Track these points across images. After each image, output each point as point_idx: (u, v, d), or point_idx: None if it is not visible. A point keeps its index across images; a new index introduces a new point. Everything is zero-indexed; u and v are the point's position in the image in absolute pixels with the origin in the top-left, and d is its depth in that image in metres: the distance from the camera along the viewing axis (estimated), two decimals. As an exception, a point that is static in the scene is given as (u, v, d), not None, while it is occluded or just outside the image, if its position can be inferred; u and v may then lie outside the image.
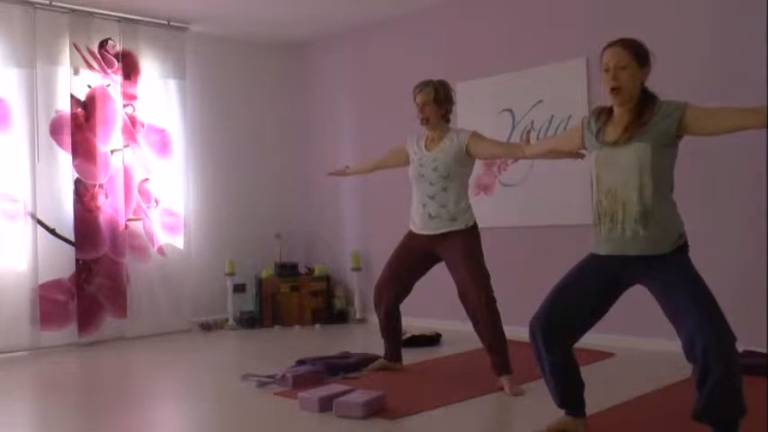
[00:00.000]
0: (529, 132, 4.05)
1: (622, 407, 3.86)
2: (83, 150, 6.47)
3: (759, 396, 3.68)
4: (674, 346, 3.36)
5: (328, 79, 7.86)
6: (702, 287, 2.97)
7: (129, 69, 6.82)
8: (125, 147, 6.74)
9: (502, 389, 4.27)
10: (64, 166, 6.38)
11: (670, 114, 3.03)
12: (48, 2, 6.30)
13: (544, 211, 5.98)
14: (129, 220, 6.76)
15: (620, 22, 5.32)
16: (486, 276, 4.41)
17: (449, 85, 4.68)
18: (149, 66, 6.96)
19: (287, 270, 7.48)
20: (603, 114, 3.26)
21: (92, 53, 6.59)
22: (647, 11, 5.36)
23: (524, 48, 6.15)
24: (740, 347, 2.97)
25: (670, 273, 3.03)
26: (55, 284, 6.31)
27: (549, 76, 5.95)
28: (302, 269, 7.70)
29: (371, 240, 7.34)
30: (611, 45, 3.17)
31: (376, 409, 3.83)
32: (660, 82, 3.31)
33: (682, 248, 3.09)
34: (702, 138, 3.24)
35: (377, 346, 5.18)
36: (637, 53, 3.12)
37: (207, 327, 7.19)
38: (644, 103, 3.11)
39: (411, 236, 4.70)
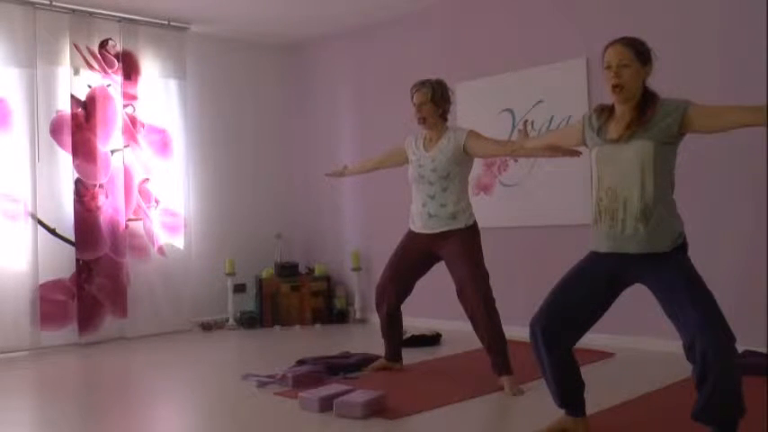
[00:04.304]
0: (525, 123, 4.01)
1: (622, 407, 3.86)
2: (83, 150, 6.47)
3: (759, 396, 3.69)
4: (674, 346, 3.37)
5: (328, 79, 7.86)
6: (702, 287, 2.98)
7: (130, 69, 6.83)
8: (125, 147, 6.74)
9: (502, 389, 4.27)
10: (64, 166, 6.39)
11: (672, 112, 3.03)
12: (48, 2, 6.30)
13: (544, 211, 5.98)
14: (130, 220, 6.76)
15: (620, 22, 5.31)
16: (486, 276, 4.41)
17: (446, 84, 4.67)
18: (149, 66, 6.96)
19: (287, 270, 7.48)
20: (605, 112, 3.25)
21: (92, 53, 6.60)
22: (647, 11, 5.36)
23: (524, 48, 6.14)
24: (740, 347, 2.97)
25: (670, 273, 3.04)
26: (55, 284, 6.31)
27: (550, 76, 5.94)
28: (302, 269, 7.70)
29: (372, 240, 7.34)
30: (612, 43, 3.17)
31: (376, 409, 3.83)
32: (661, 82, 3.31)
33: (681, 248, 3.09)
34: (702, 137, 3.26)
35: (377, 346, 5.19)
36: (638, 51, 3.12)
37: (207, 327, 7.19)
38: (646, 102, 3.11)
39: (411, 235, 4.70)
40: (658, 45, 3.30)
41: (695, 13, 5.18)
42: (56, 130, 6.36)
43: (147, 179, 6.90)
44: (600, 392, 3.89)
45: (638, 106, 3.11)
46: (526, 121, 4.06)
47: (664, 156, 3.06)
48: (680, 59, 5.11)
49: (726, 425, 2.95)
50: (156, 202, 6.95)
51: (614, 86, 3.11)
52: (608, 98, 3.21)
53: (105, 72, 6.67)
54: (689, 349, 2.93)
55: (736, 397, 2.91)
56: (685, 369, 3.20)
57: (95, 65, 6.61)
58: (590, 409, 3.43)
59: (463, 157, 4.49)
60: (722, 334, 2.88)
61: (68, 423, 4.06)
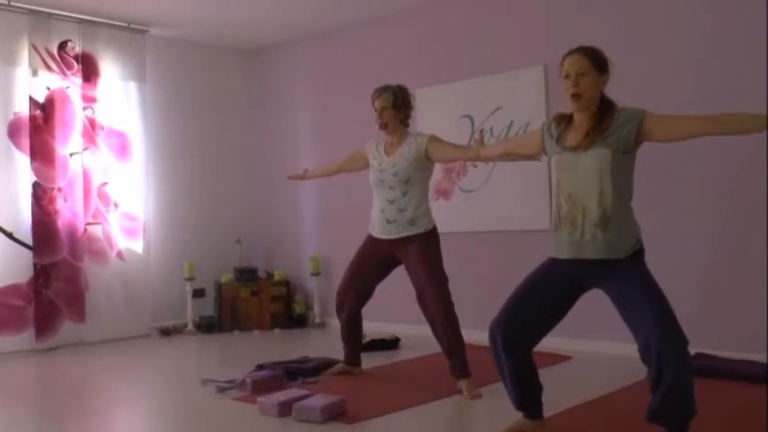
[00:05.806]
0: (482, 132, 4.08)
1: (579, 409, 3.91)
2: (41, 153, 6.40)
3: (711, 397, 3.76)
4: (630, 349, 3.42)
5: (289, 84, 7.86)
6: (657, 292, 3.04)
7: (89, 71, 6.76)
8: (84, 150, 6.68)
9: (461, 392, 4.31)
10: (22, 169, 6.30)
11: (629, 122, 3.09)
12: (6, 2, 6.22)
13: (502, 216, 6.03)
14: (88, 224, 6.69)
15: (577, 31, 5.38)
16: (445, 280, 4.44)
17: (407, 90, 4.70)
18: (109, 68, 6.90)
19: (246, 275, 7.45)
20: (564, 120, 3.31)
21: (51, 54, 6.53)
22: (604, 18, 5.43)
23: (483, 55, 6.20)
24: (692, 350, 3.03)
25: (627, 278, 3.09)
26: (12, 289, 6.22)
27: (508, 83, 6.00)
28: (262, 274, 7.68)
29: (331, 245, 7.35)
30: (571, 53, 3.22)
31: (335, 414, 3.84)
32: (621, 92, 3.36)
33: (639, 254, 3.15)
34: (661, 144, 3.31)
35: (336, 351, 5.19)
36: (596, 61, 3.18)
37: (166, 332, 7.13)
38: (603, 110, 3.17)
39: (371, 240, 4.72)
40: (616, 52, 3.35)
41: (661, 19, 5.26)
42: (13, 133, 6.28)
43: (106, 183, 6.83)
44: (557, 395, 3.93)
45: (597, 115, 3.17)
46: (482, 131, 4.12)
47: (622, 164, 3.11)
48: (652, 68, 5.18)
49: (678, 425, 3.02)
50: (115, 205, 6.89)
51: (573, 95, 3.16)
52: (566, 105, 3.26)
53: (64, 74, 6.60)
54: (644, 352, 2.99)
55: (688, 398, 2.98)
56: (640, 372, 3.26)
57: (54, 66, 6.54)
58: (547, 411, 3.48)
59: (424, 163, 4.52)
60: (676, 337, 2.94)
61: (25, 430, 4.01)
